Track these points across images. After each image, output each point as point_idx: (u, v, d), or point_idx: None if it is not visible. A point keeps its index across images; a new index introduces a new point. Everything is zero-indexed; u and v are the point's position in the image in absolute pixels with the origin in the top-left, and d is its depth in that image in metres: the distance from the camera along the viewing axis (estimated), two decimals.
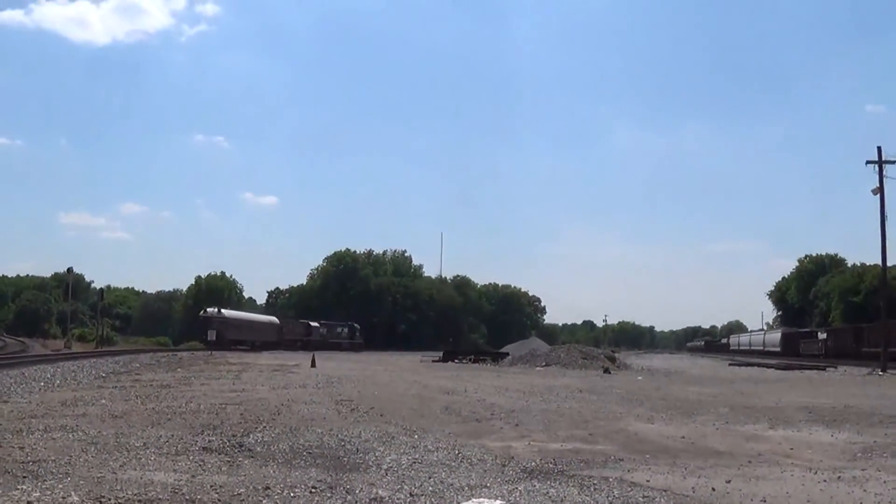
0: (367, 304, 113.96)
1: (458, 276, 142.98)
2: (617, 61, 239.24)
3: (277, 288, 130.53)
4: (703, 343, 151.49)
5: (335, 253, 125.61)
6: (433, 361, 47.76)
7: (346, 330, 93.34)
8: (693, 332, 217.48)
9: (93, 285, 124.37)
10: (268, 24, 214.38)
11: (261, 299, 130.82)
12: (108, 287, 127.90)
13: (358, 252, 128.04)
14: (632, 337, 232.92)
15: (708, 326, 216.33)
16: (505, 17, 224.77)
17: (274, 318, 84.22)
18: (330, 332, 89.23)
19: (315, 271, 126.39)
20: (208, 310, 70.88)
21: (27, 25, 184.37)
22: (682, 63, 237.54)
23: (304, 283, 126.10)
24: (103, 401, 14.94)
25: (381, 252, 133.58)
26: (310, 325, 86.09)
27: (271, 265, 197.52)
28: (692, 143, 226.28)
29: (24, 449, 8.92)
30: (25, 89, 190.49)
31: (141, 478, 7.51)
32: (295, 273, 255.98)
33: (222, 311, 71.40)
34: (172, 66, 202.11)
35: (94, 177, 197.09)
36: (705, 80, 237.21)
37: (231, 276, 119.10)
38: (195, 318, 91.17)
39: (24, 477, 7.37)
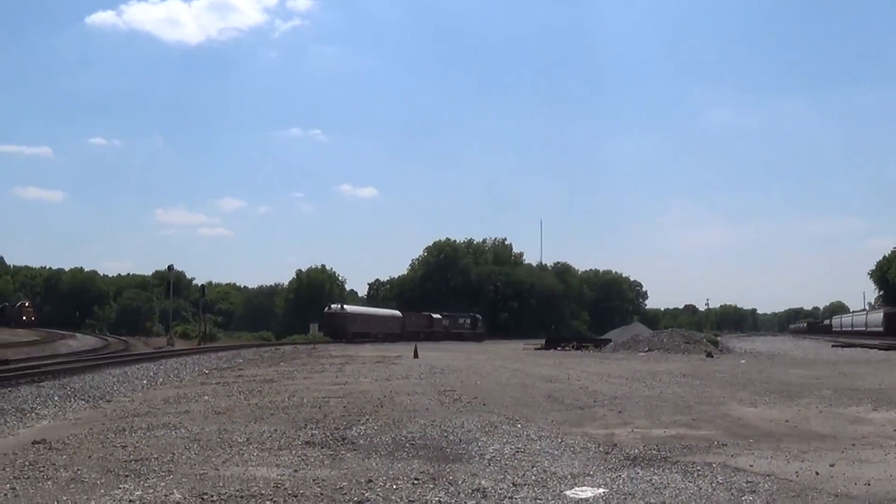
0: (468, 293, 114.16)
1: (558, 262, 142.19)
2: (707, 39, 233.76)
3: (378, 279, 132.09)
4: (805, 325, 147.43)
5: (435, 243, 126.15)
6: (535, 349, 47.63)
7: (468, 321, 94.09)
8: (795, 314, 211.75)
9: (194, 282, 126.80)
10: (361, 16, 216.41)
11: (362, 291, 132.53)
12: (210, 283, 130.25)
13: (458, 241, 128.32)
14: (734, 320, 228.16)
15: (810, 308, 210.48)
16: (595, 0, 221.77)
17: (396, 312, 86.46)
18: (452, 323, 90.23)
19: (416, 261, 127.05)
20: (332, 306, 74.76)
21: (119, 27, 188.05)
22: (773, 36, 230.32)
23: (405, 273, 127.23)
24: (206, 397, 15.26)
25: (480, 241, 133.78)
26: (432, 316, 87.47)
27: (371, 257, 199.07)
28: (788, 118, 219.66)
29: (126, 448, 9.05)
30: (120, 90, 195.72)
31: (243, 473, 7.58)
32: (395, 264, 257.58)
33: (345, 306, 75.38)
34: (266, 61, 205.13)
35: (190, 174, 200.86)
36: (797, 52, 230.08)
37: (331, 269, 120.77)
38: (299, 312, 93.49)
39: (127, 476, 7.46)
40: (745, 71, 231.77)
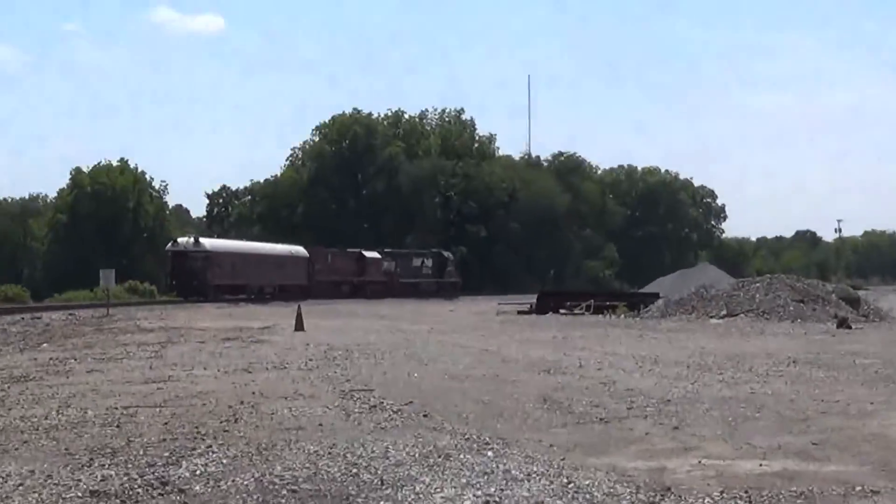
0: (395, 208, 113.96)
1: (560, 154, 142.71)
2: None
3: (226, 187, 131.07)
4: None
5: (334, 119, 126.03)
6: (519, 313, 48.04)
7: (428, 262, 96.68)
8: None
9: None
10: None
11: (197, 208, 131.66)
12: None
13: (376, 116, 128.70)
14: (890, 260, 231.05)
15: None
16: None
17: (298, 249, 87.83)
18: (403, 267, 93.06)
19: (298, 153, 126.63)
20: (179, 240, 78.01)
21: None
22: None
23: (279, 175, 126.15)
24: None
25: (416, 115, 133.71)
26: (364, 256, 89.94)
27: (214, 146, 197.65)
28: None
29: None
30: None
31: None
32: (260, 159, 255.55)
33: (202, 240, 77.69)
34: None
35: None
36: None
37: (138, 168, 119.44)
38: (78, 249, 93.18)
39: None
40: None
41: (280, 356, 23.25)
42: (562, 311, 48.60)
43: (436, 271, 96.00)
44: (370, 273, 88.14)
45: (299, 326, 33.32)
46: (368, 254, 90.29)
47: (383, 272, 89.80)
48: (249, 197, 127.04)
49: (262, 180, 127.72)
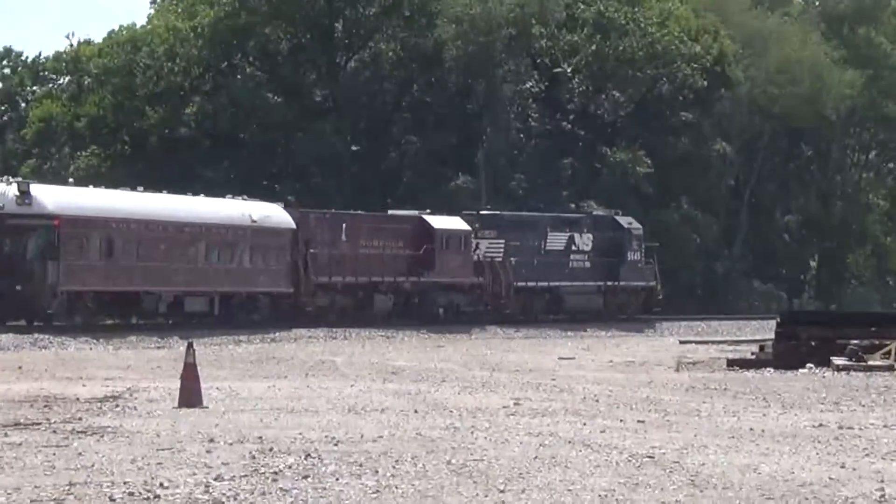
0: (422, 107, 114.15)
1: None
2: None
3: (11, 53, 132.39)
4: None
5: None
6: (730, 364, 48.18)
7: (585, 239, 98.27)
8: None
9: None
10: None
11: None
12: None
13: None
14: None
15: None
16: None
17: (270, 210, 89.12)
18: (523, 253, 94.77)
19: None
20: None
21: None
22: None
23: (140, 26, 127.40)
24: None
25: None
26: (427, 225, 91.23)
27: None
28: None
29: None
30: None
31: None
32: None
33: (36, 190, 78.54)
34: None
35: None
36: None
37: None
38: None
39: None
40: None
41: (144, 469, 22.87)
42: (836, 360, 48.48)
43: (601, 262, 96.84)
44: (443, 265, 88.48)
45: (190, 396, 32.98)
46: (438, 222, 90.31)
47: (475, 264, 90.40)
48: (67, 78, 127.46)
49: (96, 40, 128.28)
